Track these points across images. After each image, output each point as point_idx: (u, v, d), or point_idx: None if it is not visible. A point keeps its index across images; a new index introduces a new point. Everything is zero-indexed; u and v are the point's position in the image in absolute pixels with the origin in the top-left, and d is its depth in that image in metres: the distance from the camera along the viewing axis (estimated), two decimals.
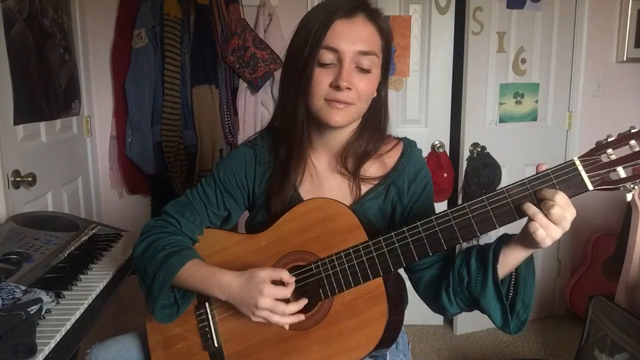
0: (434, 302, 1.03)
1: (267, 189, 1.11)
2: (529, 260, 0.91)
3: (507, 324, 0.92)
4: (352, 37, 0.96)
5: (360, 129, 1.08)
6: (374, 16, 1.00)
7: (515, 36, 2.50)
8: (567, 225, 0.81)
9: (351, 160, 1.08)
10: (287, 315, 0.94)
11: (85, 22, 2.30)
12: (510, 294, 0.93)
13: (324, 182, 1.10)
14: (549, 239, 0.81)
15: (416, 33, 2.51)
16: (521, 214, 0.83)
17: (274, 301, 0.93)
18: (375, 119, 1.08)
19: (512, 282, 0.93)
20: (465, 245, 0.98)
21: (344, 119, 1.00)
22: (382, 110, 1.08)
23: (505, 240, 0.91)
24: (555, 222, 0.80)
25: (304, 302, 0.96)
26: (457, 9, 2.49)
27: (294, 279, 0.96)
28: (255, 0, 2.34)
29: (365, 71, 0.98)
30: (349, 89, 0.96)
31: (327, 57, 0.96)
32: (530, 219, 0.81)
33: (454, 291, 0.97)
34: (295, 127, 1.03)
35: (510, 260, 0.90)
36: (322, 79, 0.97)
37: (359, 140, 1.07)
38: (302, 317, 0.96)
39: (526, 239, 0.84)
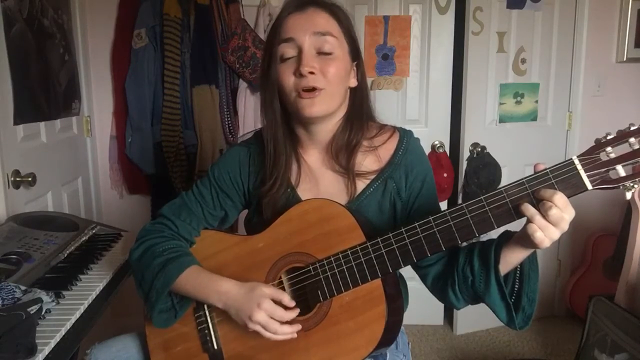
0: (442, 297, 1.03)
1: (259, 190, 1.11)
2: (532, 255, 0.91)
3: (512, 320, 0.93)
4: (305, 25, 0.99)
5: (344, 120, 1.07)
6: (326, 5, 1.02)
7: (515, 36, 2.50)
8: (565, 227, 0.81)
9: (342, 154, 1.06)
10: (279, 334, 0.95)
11: (85, 22, 2.30)
12: (516, 287, 0.93)
13: (319, 180, 1.09)
14: (547, 240, 0.81)
15: (416, 33, 2.51)
16: (519, 214, 0.83)
17: (269, 318, 0.93)
18: (357, 109, 1.07)
19: (518, 277, 0.93)
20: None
21: (320, 107, 0.99)
22: (363, 100, 1.08)
23: (505, 239, 0.91)
24: (553, 223, 0.80)
25: (297, 327, 0.96)
26: (457, 9, 2.48)
27: (294, 303, 0.97)
28: (255, 0, 2.34)
29: (328, 54, 0.99)
30: (312, 73, 0.97)
31: (287, 51, 0.99)
32: (529, 221, 0.81)
33: (460, 289, 0.97)
34: (274, 130, 1.06)
35: (511, 259, 0.90)
36: (286, 72, 0.99)
37: (344, 133, 1.06)
38: (294, 335, 0.96)
39: (525, 239, 0.84)
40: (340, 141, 1.06)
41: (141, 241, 1.07)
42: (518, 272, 0.93)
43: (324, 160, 1.10)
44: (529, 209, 0.81)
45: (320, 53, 0.99)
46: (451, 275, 0.98)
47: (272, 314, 0.94)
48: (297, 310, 0.97)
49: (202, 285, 1.00)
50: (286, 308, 0.96)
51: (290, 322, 0.96)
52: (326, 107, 1.00)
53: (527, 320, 0.93)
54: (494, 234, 0.92)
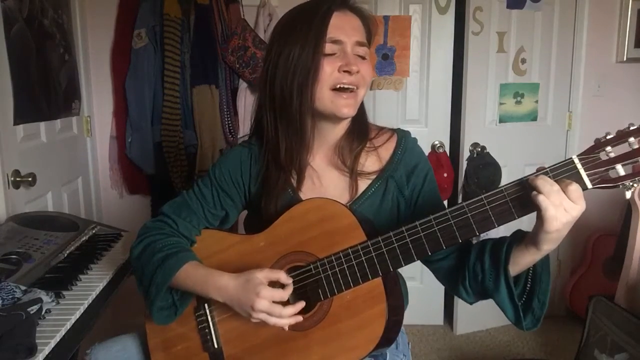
0: (454, 291, 1.05)
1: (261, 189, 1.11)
2: (544, 258, 0.91)
3: (520, 321, 0.93)
4: (349, 29, 1.01)
5: (352, 123, 1.09)
6: (359, 11, 1.06)
7: (515, 36, 2.50)
8: (579, 208, 0.80)
9: (348, 155, 1.08)
10: (284, 317, 0.94)
11: (85, 22, 2.31)
12: (528, 286, 0.93)
13: (321, 180, 1.10)
14: (557, 220, 0.79)
15: (416, 33, 2.51)
16: (520, 212, 0.84)
17: (271, 304, 0.93)
18: (361, 112, 1.09)
19: (530, 276, 0.94)
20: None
21: (352, 108, 1.02)
22: (362, 103, 1.11)
23: (517, 240, 0.91)
24: (572, 200, 0.78)
25: (301, 304, 0.96)
26: (457, 9, 2.49)
27: (291, 280, 0.96)
28: (255, 0, 2.34)
29: (363, 58, 1.03)
30: (358, 72, 0.99)
31: (330, 48, 1.00)
32: (543, 197, 0.79)
33: (470, 285, 0.98)
34: (303, 125, 1.03)
35: (522, 261, 0.90)
36: (327, 66, 0.99)
37: (352, 135, 1.09)
38: (300, 318, 0.96)
39: (536, 238, 0.84)
40: (347, 142, 1.08)
41: (141, 238, 1.08)
42: (531, 272, 0.93)
43: (329, 160, 1.10)
44: (545, 183, 0.79)
45: (356, 55, 1.02)
46: (462, 271, 0.99)
47: (272, 297, 0.93)
48: (291, 282, 0.96)
49: (202, 280, 1.00)
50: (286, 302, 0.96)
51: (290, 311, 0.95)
52: (356, 108, 1.04)
53: (536, 322, 0.94)
54: (494, 233, 0.92)
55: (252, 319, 0.95)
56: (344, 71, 0.99)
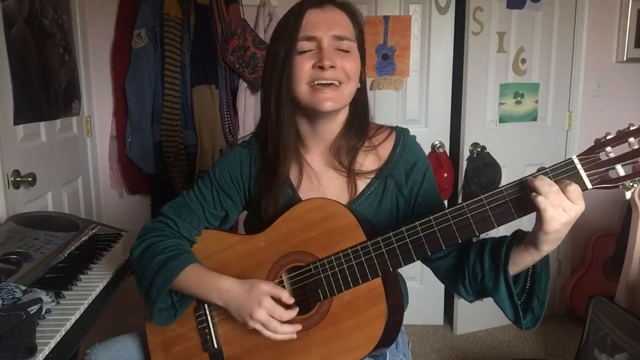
0: (454, 290, 1.05)
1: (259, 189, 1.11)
2: (544, 258, 0.91)
3: (519, 320, 0.93)
4: (325, 24, 0.99)
5: (349, 120, 1.08)
6: (343, 4, 1.04)
7: (515, 36, 2.50)
8: (578, 209, 0.79)
9: (345, 154, 1.07)
10: (278, 332, 0.95)
11: (85, 22, 2.31)
12: (528, 285, 0.93)
13: (320, 180, 1.10)
14: (557, 220, 0.79)
15: (416, 33, 2.51)
16: (520, 213, 0.83)
17: (269, 317, 0.94)
18: (360, 109, 1.09)
19: (530, 275, 0.94)
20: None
21: (336, 102, 1.00)
22: (365, 100, 1.10)
23: (517, 240, 0.91)
24: (571, 200, 0.78)
25: (297, 327, 0.96)
26: (457, 9, 2.49)
27: (293, 300, 0.97)
28: (255, 0, 2.34)
29: (346, 51, 1.00)
30: (332, 67, 0.97)
31: (306, 45, 0.99)
32: (543, 197, 0.79)
33: (470, 284, 0.98)
34: (279, 121, 1.04)
35: (521, 261, 0.90)
36: (303, 64, 0.99)
37: (349, 133, 1.08)
38: (294, 336, 0.96)
39: (535, 238, 0.84)
40: (344, 141, 1.08)
41: (142, 239, 1.08)
42: (530, 271, 0.93)
43: (326, 160, 1.10)
44: (544, 184, 0.79)
45: (338, 50, 1.00)
46: (462, 270, 0.99)
47: (272, 311, 0.94)
48: (296, 310, 0.97)
49: (203, 283, 1.00)
50: (285, 306, 0.96)
51: (290, 322, 0.96)
52: (340, 102, 1.01)
53: (535, 322, 0.94)
54: (494, 232, 0.92)
55: (247, 326, 0.96)
56: (319, 67, 0.98)
